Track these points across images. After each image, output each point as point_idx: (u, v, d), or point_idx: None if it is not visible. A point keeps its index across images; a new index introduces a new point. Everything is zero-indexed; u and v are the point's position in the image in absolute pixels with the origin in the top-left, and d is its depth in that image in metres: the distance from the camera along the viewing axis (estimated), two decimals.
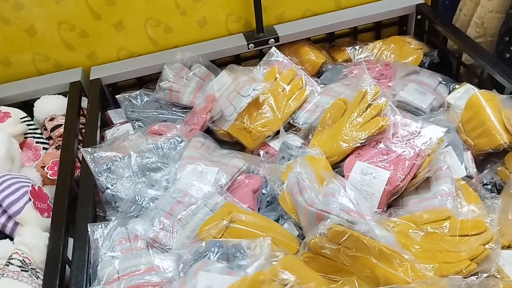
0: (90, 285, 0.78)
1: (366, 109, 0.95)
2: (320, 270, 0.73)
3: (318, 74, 1.30)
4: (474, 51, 1.15)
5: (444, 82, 1.18)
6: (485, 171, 0.94)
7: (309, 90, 1.13)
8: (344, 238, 0.69)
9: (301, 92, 1.12)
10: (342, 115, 1.00)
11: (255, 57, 1.36)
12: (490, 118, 0.92)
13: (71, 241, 0.86)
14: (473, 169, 0.93)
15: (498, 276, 0.71)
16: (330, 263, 0.72)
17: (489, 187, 0.93)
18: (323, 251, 0.71)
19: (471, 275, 0.69)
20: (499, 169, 0.92)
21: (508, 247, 0.78)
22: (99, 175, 0.95)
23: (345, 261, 0.71)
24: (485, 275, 0.69)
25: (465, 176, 0.90)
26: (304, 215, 0.77)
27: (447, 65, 1.34)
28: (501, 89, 1.07)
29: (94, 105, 1.16)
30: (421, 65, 1.28)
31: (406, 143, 0.90)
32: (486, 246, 0.72)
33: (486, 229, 0.74)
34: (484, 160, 0.97)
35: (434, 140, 0.89)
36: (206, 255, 0.72)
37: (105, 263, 0.80)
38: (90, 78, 1.24)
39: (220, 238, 0.77)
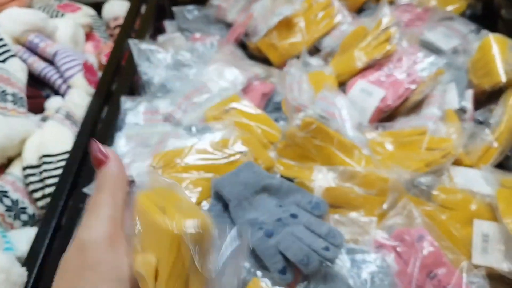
0: (113, 140, 0.96)
1: (379, 35, 1.03)
2: (291, 157, 0.85)
3: (358, 11, 1.37)
4: (508, 5, 1.16)
5: (476, 31, 1.21)
6: (481, 110, 1.00)
7: (339, 19, 1.21)
8: (312, 127, 0.80)
9: (331, 20, 1.21)
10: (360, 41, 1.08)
11: None
12: (494, 59, 0.96)
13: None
14: (469, 105, 0.98)
15: (446, 180, 0.79)
16: (300, 151, 0.84)
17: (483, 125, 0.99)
18: (294, 139, 0.83)
19: None
20: (492, 107, 0.96)
21: (471, 166, 0.85)
22: (139, 62, 1.13)
23: (312, 149, 0.83)
24: (430, 175, 0.78)
25: (457, 108, 0.97)
26: (289, 109, 0.89)
27: (492, 21, 1.35)
28: None
29: (149, 11, 1.33)
30: (463, 14, 1.30)
31: (406, 69, 0.98)
32: (444, 157, 0.80)
33: (450, 144, 0.82)
34: (485, 101, 1.02)
35: (433, 70, 0.96)
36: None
37: (129, 126, 0.98)
38: None
39: (218, 119, 0.92)
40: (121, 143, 0.93)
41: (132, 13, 1.32)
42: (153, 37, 1.37)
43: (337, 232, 0.66)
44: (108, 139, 0.95)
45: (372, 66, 1.01)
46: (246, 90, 1.07)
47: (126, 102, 1.03)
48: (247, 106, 0.95)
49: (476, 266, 0.67)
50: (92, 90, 1.08)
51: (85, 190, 0.82)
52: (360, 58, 1.01)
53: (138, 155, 0.85)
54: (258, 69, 1.12)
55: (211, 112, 0.94)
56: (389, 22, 1.02)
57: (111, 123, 0.99)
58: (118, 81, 1.11)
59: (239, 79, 1.06)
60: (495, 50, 0.97)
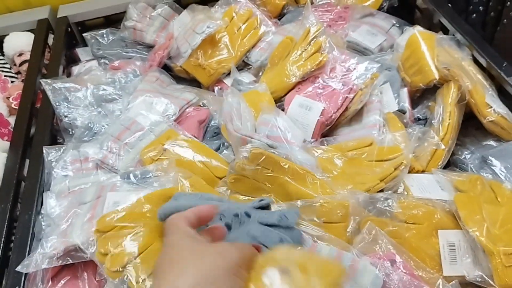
0: (42, 200, 0.86)
1: (308, 46, 1.00)
2: (244, 190, 0.80)
3: (279, 16, 1.34)
4: None
5: (397, 25, 1.22)
6: (418, 107, 1.00)
7: (263, 29, 1.17)
8: (262, 159, 0.76)
9: (256, 31, 1.17)
10: (289, 53, 1.05)
11: None
12: (425, 56, 0.97)
13: (28, 162, 0.94)
14: (407, 105, 0.98)
15: (404, 193, 0.78)
16: (252, 184, 0.79)
17: (422, 122, 0.99)
18: (244, 172, 0.78)
19: (378, 192, 0.76)
20: (430, 104, 0.97)
21: (423, 172, 0.85)
22: (57, 104, 1.02)
23: (264, 180, 0.78)
24: (389, 192, 0.76)
25: (396, 110, 0.96)
26: (233, 141, 0.84)
27: (409, 11, 1.37)
28: (447, 33, 1.11)
29: (58, 41, 1.21)
30: (380, 8, 1.31)
31: (341, 78, 0.96)
32: (398, 169, 0.79)
33: (401, 154, 0.81)
34: (420, 97, 1.03)
35: (368, 75, 0.94)
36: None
37: (58, 180, 0.88)
38: (58, 16, 1.29)
39: (156, 160, 0.85)
40: (51, 203, 0.83)
41: (39, 46, 1.20)
42: (66, 67, 1.26)
43: (289, 214, 0.66)
44: (36, 200, 0.85)
45: (307, 78, 0.98)
46: (180, 119, 1.00)
47: (50, 153, 0.92)
48: (185, 141, 0.88)
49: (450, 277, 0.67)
50: (6, 144, 0.95)
51: (19, 268, 0.72)
52: (293, 73, 0.98)
53: (76, 218, 0.76)
54: (189, 94, 1.05)
55: (147, 152, 0.86)
56: (317, 31, 0.99)
57: (36, 180, 0.88)
58: (36, 128, 1.00)
59: (171, 110, 0.99)
60: (424, 47, 0.98)
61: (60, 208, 0.82)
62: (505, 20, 1.06)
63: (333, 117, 0.92)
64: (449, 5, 1.14)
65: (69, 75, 1.24)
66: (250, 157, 0.77)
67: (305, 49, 0.99)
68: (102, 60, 1.26)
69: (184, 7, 1.29)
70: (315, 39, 0.99)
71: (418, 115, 0.99)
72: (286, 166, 0.76)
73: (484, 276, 0.67)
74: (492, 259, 0.66)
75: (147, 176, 0.82)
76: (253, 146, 0.77)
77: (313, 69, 0.96)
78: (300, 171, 0.76)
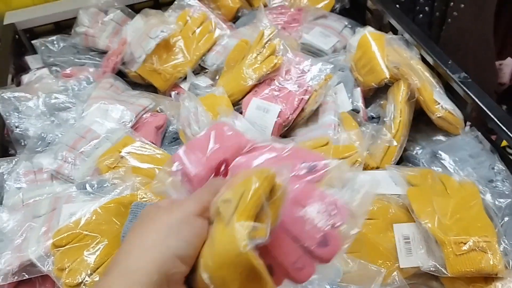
0: None
1: (263, 49, 1.01)
2: None
3: (234, 19, 1.35)
4: None
5: (349, 26, 1.25)
6: (371, 106, 1.03)
7: (218, 33, 1.17)
8: None
9: (211, 34, 1.17)
10: (245, 56, 1.05)
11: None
12: (375, 56, 1.00)
13: None
14: (360, 104, 1.01)
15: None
16: None
17: (376, 120, 1.02)
18: None
19: None
20: (382, 102, 1.00)
21: (377, 168, 0.87)
22: (7, 114, 0.99)
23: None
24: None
25: (350, 110, 0.99)
26: None
27: (360, 12, 1.41)
28: (396, 33, 1.14)
29: (6, 49, 1.18)
30: (333, 10, 1.34)
31: (296, 80, 0.97)
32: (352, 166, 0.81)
33: (355, 152, 0.83)
34: (373, 96, 1.06)
35: (322, 77, 0.96)
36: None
37: (11, 193, 0.85)
38: (4, 23, 1.25)
39: (113, 168, 0.83)
40: (4, 218, 0.80)
41: None
42: (15, 76, 1.22)
43: None
44: None
45: (263, 81, 0.99)
46: (137, 126, 0.99)
47: (1, 165, 0.89)
48: (143, 147, 0.87)
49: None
50: None
51: None
52: (249, 75, 0.98)
53: (31, 232, 0.74)
54: (145, 100, 1.04)
55: (104, 161, 0.85)
56: (270, 33, 1.00)
57: None
58: None
59: (127, 116, 0.97)
60: (374, 47, 1.01)
61: (13, 222, 0.79)
62: (449, 19, 1.11)
63: (290, 118, 0.94)
64: (397, 6, 1.18)
65: (18, 84, 1.20)
66: None
67: (260, 52, 1.00)
68: (54, 68, 1.23)
69: (137, 11, 1.28)
70: (269, 42, 1.00)
71: (372, 113, 1.02)
72: None
73: (437, 266, 0.70)
74: (444, 248, 0.69)
75: (104, 185, 0.80)
76: None
77: (268, 72, 0.97)
78: None
